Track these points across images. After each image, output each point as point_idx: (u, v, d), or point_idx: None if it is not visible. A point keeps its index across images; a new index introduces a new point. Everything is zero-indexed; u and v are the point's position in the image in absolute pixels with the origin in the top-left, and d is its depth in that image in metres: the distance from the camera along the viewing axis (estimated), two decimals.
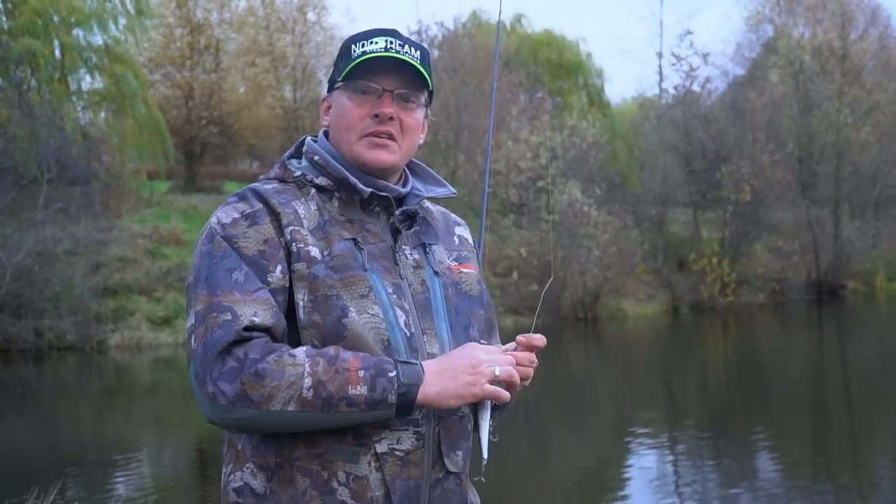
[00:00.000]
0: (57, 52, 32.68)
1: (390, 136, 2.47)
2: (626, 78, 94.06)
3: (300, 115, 40.41)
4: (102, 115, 34.95)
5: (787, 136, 37.23)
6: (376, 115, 2.44)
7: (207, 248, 2.36)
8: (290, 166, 2.50)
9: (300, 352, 2.23)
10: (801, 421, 15.34)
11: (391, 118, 2.45)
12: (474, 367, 2.32)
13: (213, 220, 2.40)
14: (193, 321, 2.29)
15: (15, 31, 31.12)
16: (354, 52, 2.44)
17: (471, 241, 2.73)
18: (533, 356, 2.51)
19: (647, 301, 32.95)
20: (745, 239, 34.53)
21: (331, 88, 2.53)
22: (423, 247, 2.53)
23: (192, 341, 2.27)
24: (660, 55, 45.01)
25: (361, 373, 2.22)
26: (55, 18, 31.99)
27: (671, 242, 35.07)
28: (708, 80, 39.27)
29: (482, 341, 2.51)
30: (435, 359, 2.35)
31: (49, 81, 32.03)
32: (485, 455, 2.41)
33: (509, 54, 37.91)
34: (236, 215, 2.37)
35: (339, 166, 2.45)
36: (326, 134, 2.59)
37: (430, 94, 2.55)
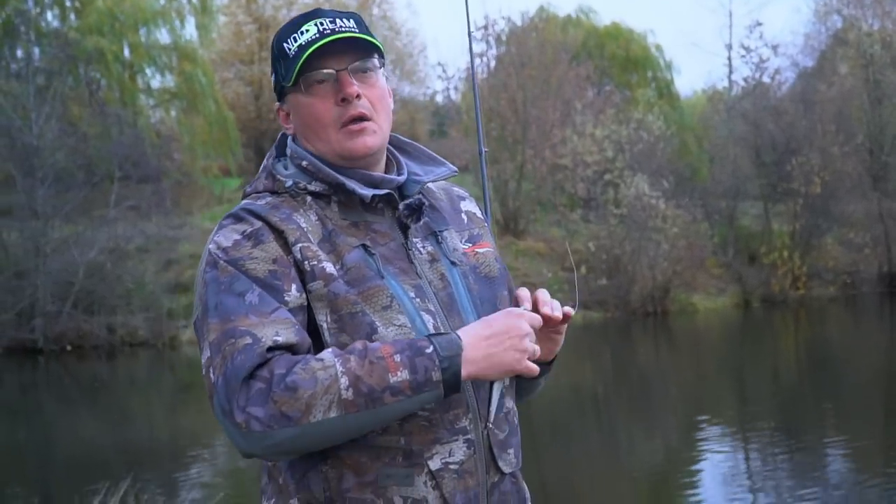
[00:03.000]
0: (126, 51, 33.10)
1: (363, 118, 2.31)
2: (696, 70, 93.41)
3: None
4: (173, 112, 35.36)
5: (857, 127, 36.69)
6: (343, 100, 2.29)
7: (212, 276, 2.18)
8: (279, 175, 2.34)
9: (327, 353, 2.09)
10: (875, 417, 15.13)
11: (358, 96, 2.29)
12: (524, 340, 2.20)
13: (212, 245, 2.23)
14: (209, 353, 2.12)
15: (83, 30, 31.53)
16: (290, 50, 2.29)
17: (479, 213, 2.59)
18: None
19: (718, 295, 32.68)
20: (816, 231, 34.09)
21: (280, 96, 2.38)
22: (435, 236, 2.39)
23: (211, 374, 2.10)
24: (729, 47, 44.47)
25: (398, 357, 2.09)
26: (122, 17, 32.39)
27: (742, 235, 34.74)
28: (778, 71, 38.85)
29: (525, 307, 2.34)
30: (477, 325, 2.21)
31: (119, 80, 32.46)
32: (492, 419, 2.28)
33: (576, 48, 37.73)
34: (237, 237, 2.21)
35: (331, 172, 2.29)
36: (294, 138, 2.43)
37: (381, 53, 2.38)
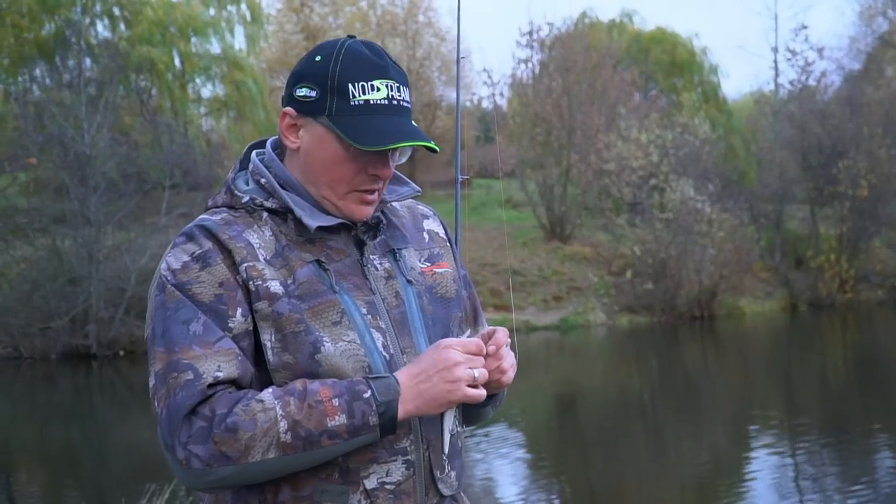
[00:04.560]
0: (177, 61, 33.46)
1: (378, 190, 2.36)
2: (743, 73, 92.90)
3: (414, 117, 40.70)
4: (223, 121, 35.68)
5: None
6: (374, 174, 2.32)
7: (160, 300, 2.23)
8: (236, 191, 2.36)
9: (267, 395, 2.12)
10: None
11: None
12: (452, 370, 2.20)
13: (163, 265, 2.26)
14: (154, 382, 2.17)
15: (133, 40, 31.92)
16: (353, 97, 2.27)
17: (442, 233, 2.58)
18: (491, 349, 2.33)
19: (765, 299, 32.56)
20: (863, 235, 33.88)
21: (304, 110, 2.32)
22: (393, 253, 2.40)
23: (156, 404, 2.15)
24: (775, 50, 44.16)
25: (336, 401, 2.12)
26: (172, 27, 32.76)
27: (789, 239, 34.58)
28: (824, 74, 38.60)
29: (464, 333, 2.39)
30: (408, 365, 2.23)
31: (170, 89, 32.81)
32: (445, 451, 2.32)
33: (620, 53, 37.72)
34: (186, 258, 2.23)
35: (284, 196, 2.31)
36: (275, 144, 2.46)
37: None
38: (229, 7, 35.88)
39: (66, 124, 26.77)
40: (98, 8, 32.99)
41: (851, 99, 35.89)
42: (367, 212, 2.34)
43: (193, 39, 33.96)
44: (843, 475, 11.70)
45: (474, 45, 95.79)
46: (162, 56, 31.78)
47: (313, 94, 2.30)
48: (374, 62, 2.30)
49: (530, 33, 36.55)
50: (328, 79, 2.29)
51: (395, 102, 2.30)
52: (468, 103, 46.38)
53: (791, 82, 39.02)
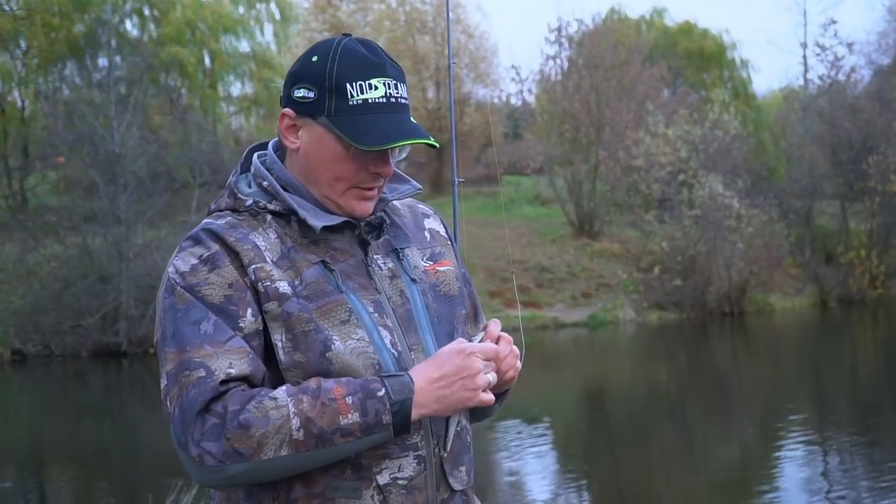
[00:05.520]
0: (206, 60, 33.61)
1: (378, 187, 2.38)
2: (772, 69, 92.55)
3: (443, 114, 40.70)
4: (252, 119, 35.83)
5: None
6: (375, 172, 2.33)
7: (170, 302, 2.22)
8: (239, 194, 2.36)
9: (280, 392, 2.13)
10: None
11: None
12: (474, 379, 2.23)
13: (171, 269, 2.26)
14: (166, 382, 2.18)
15: (163, 39, 32.10)
16: (352, 97, 2.28)
17: (443, 231, 2.60)
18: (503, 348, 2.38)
19: (795, 295, 32.42)
20: (894, 230, 33.67)
21: (303, 110, 2.33)
22: (396, 253, 2.42)
23: (168, 404, 2.16)
24: (804, 45, 44.08)
25: (349, 399, 2.13)
26: (202, 26, 32.92)
27: (818, 235, 34.41)
28: (853, 69, 38.43)
29: (476, 338, 2.40)
30: (426, 365, 2.24)
31: (199, 88, 32.98)
32: (447, 449, 2.33)
33: (649, 48, 37.62)
34: (194, 261, 2.24)
35: (287, 198, 2.32)
36: (276, 145, 2.46)
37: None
38: (258, 5, 36.02)
39: (96, 123, 26.92)
40: (128, 7, 33.18)
41: (881, 93, 35.70)
42: (367, 207, 2.36)
43: (223, 38, 34.12)
44: (874, 472, 11.64)
45: (502, 41, 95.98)
46: (191, 56, 31.95)
47: (311, 94, 2.32)
48: (370, 60, 2.32)
49: (559, 30, 36.51)
50: (326, 79, 2.31)
51: (393, 100, 2.31)
52: (496, 100, 46.40)
53: (820, 77, 38.93)
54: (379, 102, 2.29)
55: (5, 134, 31.94)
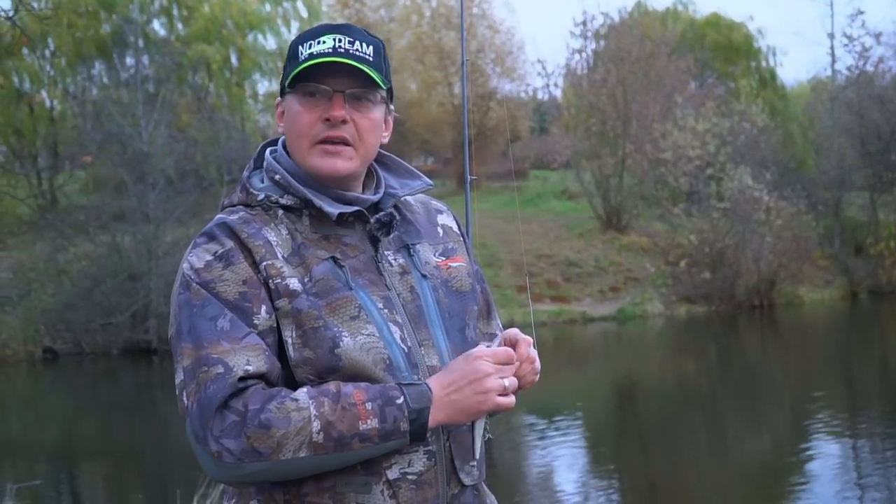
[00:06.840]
0: (233, 58, 33.72)
1: (344, 142, 2.30)
2: (799, 60, 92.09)
3: (470, 109, 40.70)
4: None
5: None
6: (327, 119, 2.28)
7: (185, 298, 2.21)
8: (251, 189, 2.36)
9: (302, 394, 2.13)
10: None
11: (344, 121, 2.29)
12: (483, 382, 2.21)
13: (185, 265, 2.25)
14: (183, 377, 2.17)
15: (190, 37, 32.23)
16: (301, 53, 2.29)
17: (455, 227, 2.57)
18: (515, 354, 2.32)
19: (825, 287, 32.30)
20: None
21: (282, 93, 2.36)
22: (407, 248, 2.39)
23: (185, 399, 2.16)
24: (831, 36, 43.87)
25: (369, 405, 2.13)
26: (229, 24, 33.02)
27: (848, 226, 34.27)
28: (881, 60, 38.17)
29: (486, 344, 2.35)
30: (440, 374, 2.24)
31: (226, 86, 33.09)
32: (476, 457, 2.34)
33: (675, 41, 37.50)
34: (209, 258, 2.23)
35: (301, 188, 2.30)
36: (274, 149, 2.46)
37: (390, 90, 2.39)
38: (285, 3, 36.08)
39: (124, 122, 27.09)
40: (156, 6, 33.32)
41: None
42: (333, 164, 2.31)
43: (249, 36, 34.22)
44: None
45: (528, 36, 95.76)
46: (217, 54, 32.05)
47: (282, 74, 2.35)
48: (326, 26, 2.33)
49: (584, 23, 36.51)
50: (288, 54, 2.34)
51: (342, 50, 2.27)
52: (522, 94, 46.38)
53: (848, 68, 38.71)
54: (325, 52, 2.26)
55: (35, 134, 32.12)
